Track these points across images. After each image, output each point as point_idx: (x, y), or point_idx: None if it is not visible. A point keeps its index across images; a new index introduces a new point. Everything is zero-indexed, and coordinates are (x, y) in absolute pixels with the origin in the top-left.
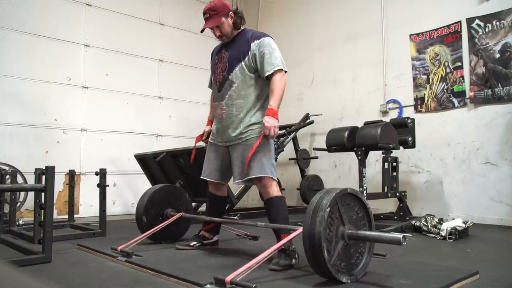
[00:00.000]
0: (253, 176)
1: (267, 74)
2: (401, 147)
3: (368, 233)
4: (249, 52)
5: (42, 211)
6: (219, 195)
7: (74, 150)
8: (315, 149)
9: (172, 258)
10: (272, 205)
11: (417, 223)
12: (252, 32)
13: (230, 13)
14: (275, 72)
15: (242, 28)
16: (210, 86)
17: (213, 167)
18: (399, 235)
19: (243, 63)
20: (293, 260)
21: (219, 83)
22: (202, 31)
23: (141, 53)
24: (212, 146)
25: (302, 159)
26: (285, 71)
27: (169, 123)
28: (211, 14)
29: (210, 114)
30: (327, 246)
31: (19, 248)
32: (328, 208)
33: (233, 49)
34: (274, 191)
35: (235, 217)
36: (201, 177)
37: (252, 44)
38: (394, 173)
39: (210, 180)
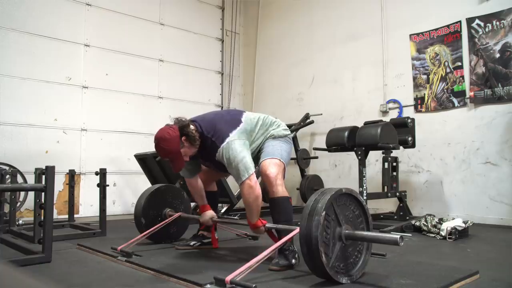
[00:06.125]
0: (263, 159)
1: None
2: (401, 147)
3: (366, 233)
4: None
5: (42, 211)
6: (209, 190)
7: (74, 150)
8: (315, 149)
9: (172, 258)
10: (276, 205)
11: (417, 223)
12: (209, 141)
13: (182, 141)
14: (240, 184)
15: (197, 134)
16: (181, 171)
17: None
18: (397, 236)
19: None
20: (293, 260)
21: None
22: (176, 171)
23: (141, 53)
24: None
25: (302, 159)
26: (248, 176)
27: (169, 123)
28: (171, 157)
29: (200, 199)
30: (325, 250)
31: (19, 248)
32: (324, 212)
33: (212, 160)
34: (280, 190)
35: (235, 217)
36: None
37: (217, 156)
38: (394, 173)
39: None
